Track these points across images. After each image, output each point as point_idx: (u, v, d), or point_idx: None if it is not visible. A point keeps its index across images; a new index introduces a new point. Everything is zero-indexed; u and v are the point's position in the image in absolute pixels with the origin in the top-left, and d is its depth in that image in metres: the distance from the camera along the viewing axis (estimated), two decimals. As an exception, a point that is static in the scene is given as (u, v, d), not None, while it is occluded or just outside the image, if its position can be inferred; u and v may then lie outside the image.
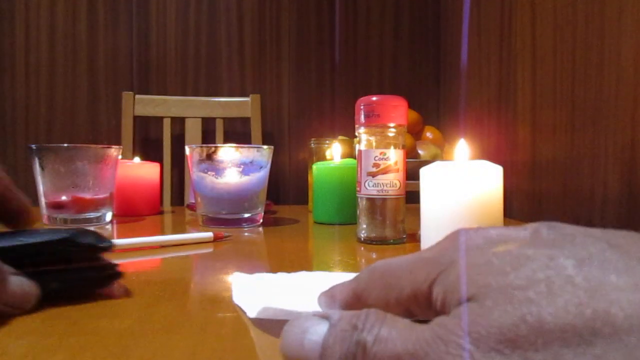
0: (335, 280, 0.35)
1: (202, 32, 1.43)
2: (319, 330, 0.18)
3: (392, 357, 0.16)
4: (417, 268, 0.19)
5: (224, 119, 1.34)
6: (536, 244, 0.18)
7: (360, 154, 0.53)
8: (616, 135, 0.64)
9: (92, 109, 1.40)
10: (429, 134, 1.13)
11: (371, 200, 0.52)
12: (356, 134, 0.54)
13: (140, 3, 1.40)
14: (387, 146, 0.52)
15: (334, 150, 0.75)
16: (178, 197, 1.37)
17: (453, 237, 0.20)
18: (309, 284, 0.34)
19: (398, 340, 0.16)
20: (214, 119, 1.34)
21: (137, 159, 0.90)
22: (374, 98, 0.52)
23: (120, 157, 0.69)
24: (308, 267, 0.43)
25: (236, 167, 0.65)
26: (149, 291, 0.34)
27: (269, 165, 0.69)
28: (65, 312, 0.28)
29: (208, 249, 0.51)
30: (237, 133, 1.40)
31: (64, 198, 0.63)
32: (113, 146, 0.66)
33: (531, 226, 0.19)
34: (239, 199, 0.66)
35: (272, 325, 0.26)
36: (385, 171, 0.51)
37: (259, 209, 0.68)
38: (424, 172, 0.43)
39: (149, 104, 1.31)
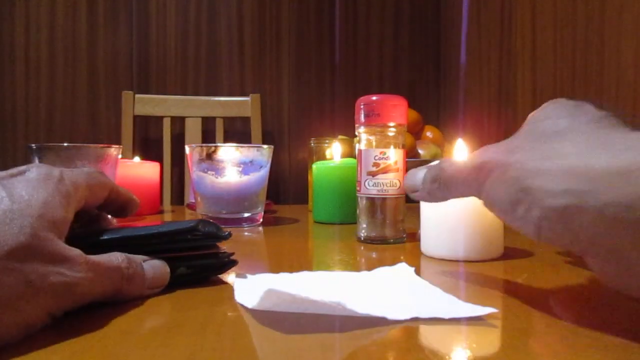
0: (335, 280, 0.35)
1: (202, 32, 1.43)
2: (421, 170, 0.35)
3: (453, 167, 0.32)
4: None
5: (224, 118, 1.34)
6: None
7: (360, 153, 0.53)
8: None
9: (92, 109, 1.40)
10: (429, 133, 1.13)
11: (371, 200, 0.52)
12: (356, 133, 0.54)
13: (140, 3, 1.40)
14: (387, 146, 0.52)
15: (334, 150, 0.75)
16: (178, 196, 1.38)
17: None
18: (310, 282, 0.34)
19: (454, 163, 0.32)
20: (214, 118, 1.34)
21: (137, 159, 0.90)
22: (374, 97, 0.52)
23: (120, 156, 0.69)
24: (308, 266, 0.43)
25: (236, 167, 0.65)
26: (148, 291, 0.34)
27: (269, 165, 0.69)
28: (65, 312, 0.28)
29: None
30: (237, 132, 1.40)
31: (63, 197, 0.63)
32: (113, 145, 0.66)
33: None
34: (238, 199, 0.66)
35: (272, 322, 0.26)
36: (385, 171, 0.51)
37: (259, 208, 0.68)
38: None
39: (148, 104, 1.31)
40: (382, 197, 0.52)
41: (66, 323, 0.25)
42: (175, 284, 0.32)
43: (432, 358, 0.22)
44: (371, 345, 0.23)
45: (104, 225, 0.36)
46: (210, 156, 0.65)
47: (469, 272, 0.39)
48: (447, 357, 0.22)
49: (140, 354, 0.22)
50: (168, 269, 0.32)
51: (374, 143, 0.52)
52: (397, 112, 0.52)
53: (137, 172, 0.80)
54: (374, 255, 0.48)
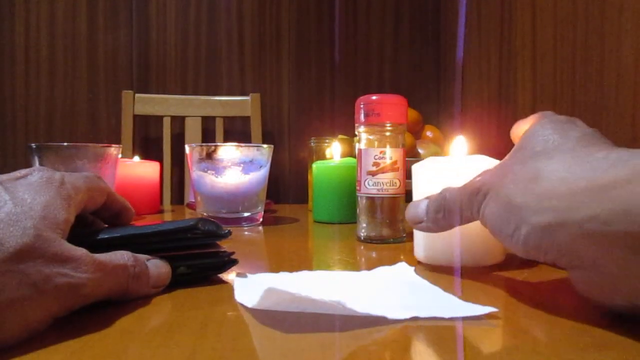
0: (335, 279, 0.35)
1: (202, 31, 1.43)
2: (423, 202, 0.37)
3: (453, 194, 0.34)
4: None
5: (224, 117, 1.34)
6: None
7: (360, 152, 0.53)
8: (617, 134, 0.64)
9: (91, 108, 1.40)
10: (429, 132, 1.13)
11: (371, 199, 0.52)
12: (356, 132, 0.54)
13: (140, 3, 1.40)
14: (386, 145, 0.52)
15: (334, 149, 0.75)
16: (178, 196, 1.37)
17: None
18: (309, 281, 0.34)
19: (454, 190, 0.34)
20: (213, 117, 1.34)
21: (137, 158, 0.89)
22: (374, 97, 0.52)
23: (120, 156, 0.69)
24: (308, 266, 0.43)
25: (236, 166, 0.65)
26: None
27: (268, 164, 0.69)
28: (65, 312, 0.28)
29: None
30: (237, 132, 1.40)
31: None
32: (113, 145, 0.66)
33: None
34: (238, 198, 0.66)
35: (272, 322, 0.26)
36: (385, 170, 0.51)
37: (259, 208, 0.68)
38: (415, 168, 0.42)
39: (148, 103, 1.31)
40: (382, 197, 0.52)
41: (67, 322, 0.25)
42: (175, 283, 0.32)
43: (432, 358, 0.22)
44: (371, 345, 0.23)
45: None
46: (210, 156, 0.65)
47: (469, 273, 0.39)
48: (447, 357, 0.22)
49: (141, 353, 0.22)
50: (170, 268, 0.32)
51: (374, 143, 0.52)
52: (397, 111, 0.52)
53: (137, 171, 0.80)
54: (373, 254, 0.48)
